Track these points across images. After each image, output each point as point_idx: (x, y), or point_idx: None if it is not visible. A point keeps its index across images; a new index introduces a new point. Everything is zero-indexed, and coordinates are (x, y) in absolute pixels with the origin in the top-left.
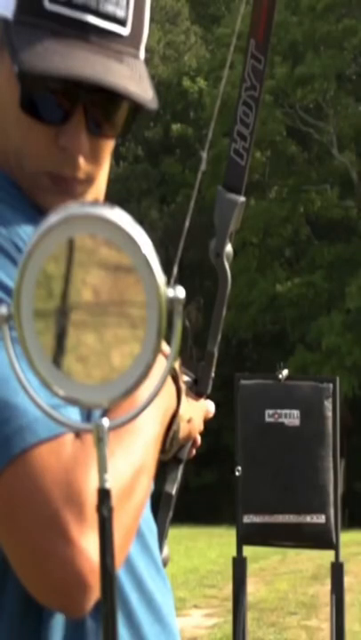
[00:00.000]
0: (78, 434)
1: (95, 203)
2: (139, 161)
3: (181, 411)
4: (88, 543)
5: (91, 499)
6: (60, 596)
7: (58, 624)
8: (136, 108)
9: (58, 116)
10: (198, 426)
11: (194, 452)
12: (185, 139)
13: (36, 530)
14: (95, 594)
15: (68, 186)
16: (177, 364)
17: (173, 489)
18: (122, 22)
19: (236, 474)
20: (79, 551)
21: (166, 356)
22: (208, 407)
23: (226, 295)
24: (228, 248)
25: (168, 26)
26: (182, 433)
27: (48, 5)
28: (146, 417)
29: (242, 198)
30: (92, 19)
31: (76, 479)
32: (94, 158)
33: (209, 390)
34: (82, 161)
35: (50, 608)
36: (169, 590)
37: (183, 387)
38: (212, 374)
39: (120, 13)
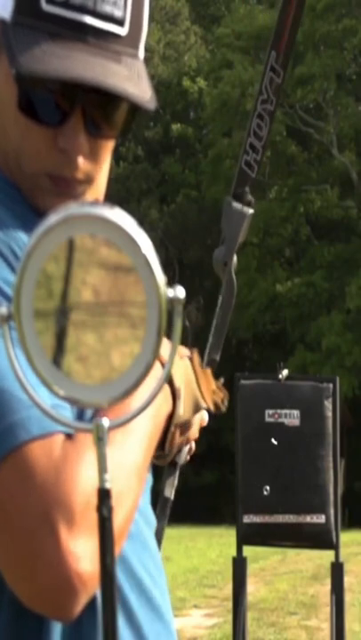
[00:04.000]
0: (69, 434)
1: (95, 203)
2: (139, 161)
3: (181, 411)
4: (76, 546)
5: (80, 500)
6: (46, 598)
7: (57, 627)
8: (135, 108)
9: (56, 118)
10: (194, 432)
11: (188, 457)
12: (185, 139)
13: (25, 529)
14: (82, 597)
15: (69, 187)
16: (197, 361)
17: (171, 493)
18: (120, 22)
19: (265, 493)
20: (67, 553)
21: (163, 363)
22: (203, 415)
23: (232, 304)
24: (234, 258)
25: (168, 26)
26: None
27: (45, 7)
28: (138, 417)
29: (250, 210)
30: (89, 19)
31: (67, 479)
32: (93, 159)
33: None
34: (81, 162)
35: (36, 611)
36: (166, 587)
37: (181, 387)
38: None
39: (118, 13)
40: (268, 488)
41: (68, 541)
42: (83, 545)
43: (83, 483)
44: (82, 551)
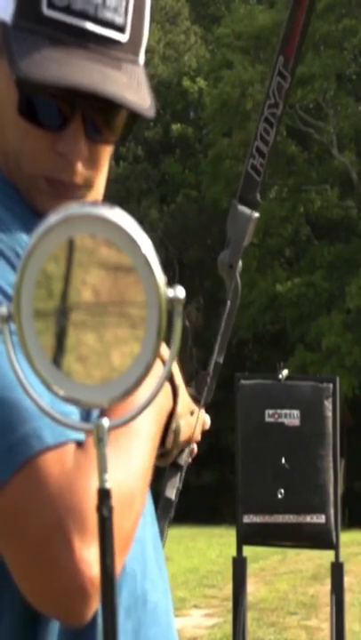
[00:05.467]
0: (80, 443)
1: (95, 203)
2: (139, 161)
3: (180, 409)
4: (89, 553)
5: (92, 508)
6: (60, 604)
7: (56, 631)
8: (135, 113)
9: (56, 122)
10: (196, 434)
11: (190, 459)
12: (185, 139)
13: (39, 538)
14: (95, 602)
15: (67, 191)
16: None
17: (173, 494)
18: (120, 29)
19: (279, 496)
20: (80, 560)
21: (164, 361)
22: (205, 419)
23: (236, 306)
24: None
25: (168, 26)
26: (184, 434)
27: (46, 11)
28: (140, 418)
29: (256, 214)
30: (90, 25)
31: (79, 488)
32: (93, 164)
33: (210, 399)
34: (80, 167)
35: (49, 617)
36: (168, 589)
37: (181, 385)
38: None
39: (119, 20)
40: (282, 491)
41: (82, 549)
42: (95, 552)
43: (94, 491)
44: (95, 558)
